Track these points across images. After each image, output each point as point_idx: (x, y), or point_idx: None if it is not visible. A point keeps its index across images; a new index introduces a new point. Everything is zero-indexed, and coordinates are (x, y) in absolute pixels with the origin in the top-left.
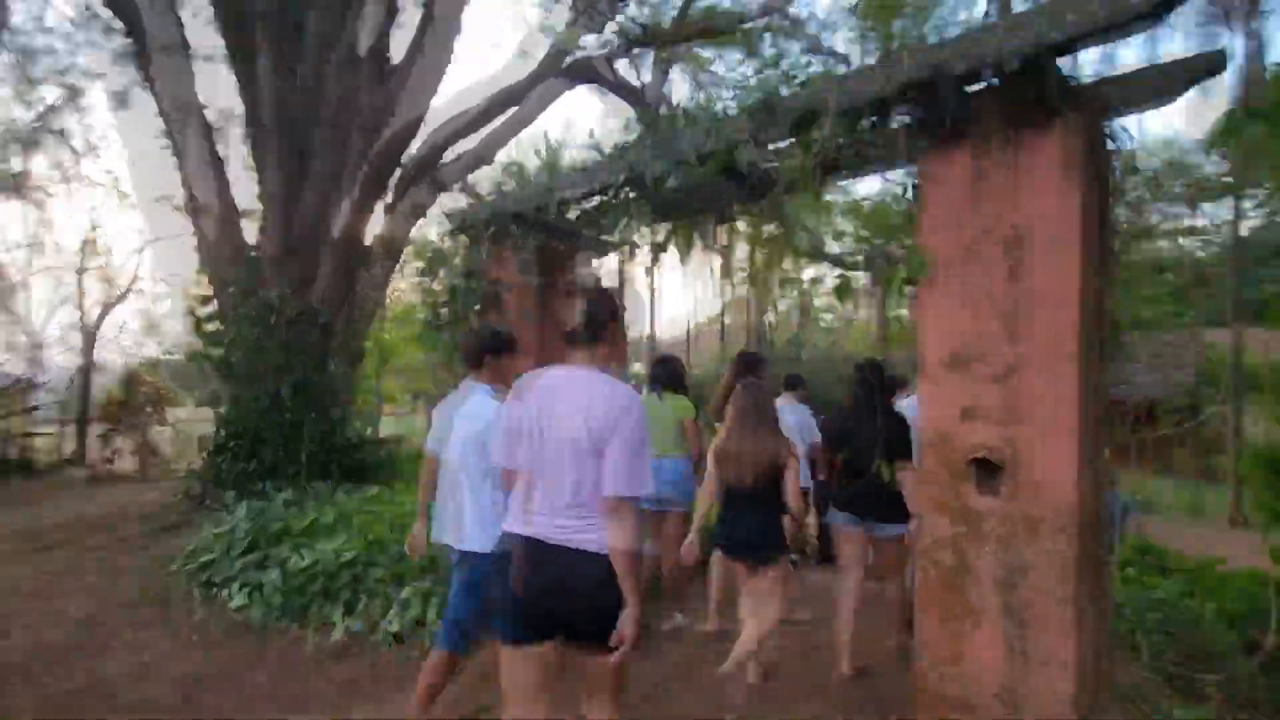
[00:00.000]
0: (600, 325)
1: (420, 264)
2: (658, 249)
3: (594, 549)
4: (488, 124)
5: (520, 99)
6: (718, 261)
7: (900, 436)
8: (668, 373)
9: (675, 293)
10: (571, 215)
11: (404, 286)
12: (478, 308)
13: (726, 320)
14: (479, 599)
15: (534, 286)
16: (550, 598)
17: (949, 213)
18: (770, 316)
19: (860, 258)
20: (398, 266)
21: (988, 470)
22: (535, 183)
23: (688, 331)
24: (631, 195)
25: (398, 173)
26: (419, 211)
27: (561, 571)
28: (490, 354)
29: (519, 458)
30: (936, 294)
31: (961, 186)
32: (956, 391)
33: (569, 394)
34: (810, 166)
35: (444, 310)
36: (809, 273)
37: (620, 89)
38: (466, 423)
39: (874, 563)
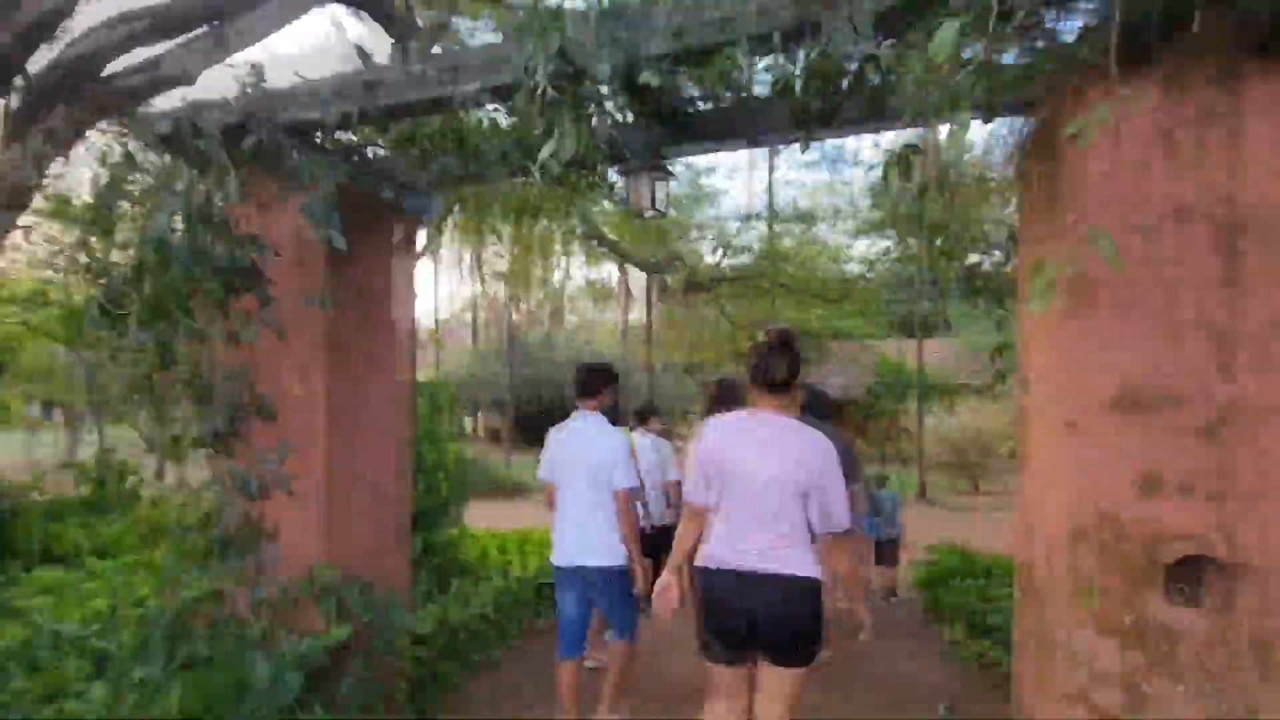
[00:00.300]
0: (796, 374)
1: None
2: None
3: (804, 574)
4: (187, 30)
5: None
6: (471, 248)
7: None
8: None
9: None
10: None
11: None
12: (214, 284)
13: (470, 316)
14: (592, 606)
15: (324, 254)
16: (760, 621)
17: (1121, 181)
18: (518, 314)
19: (657, 259)
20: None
21: (1185, 568)
22: (347, 80)
23: (436, 323)
24: (560, 97)
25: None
26: (59, 142)
27: (773, 597)
28: (606, 385)
29: (716, 497)
30: (1096, 300)
31: (1143, 141)
32: (1131, 449)
33: (776, 441)
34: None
35: (135, 286)
36: (581, 269)
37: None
38: (592, 449)
39: None
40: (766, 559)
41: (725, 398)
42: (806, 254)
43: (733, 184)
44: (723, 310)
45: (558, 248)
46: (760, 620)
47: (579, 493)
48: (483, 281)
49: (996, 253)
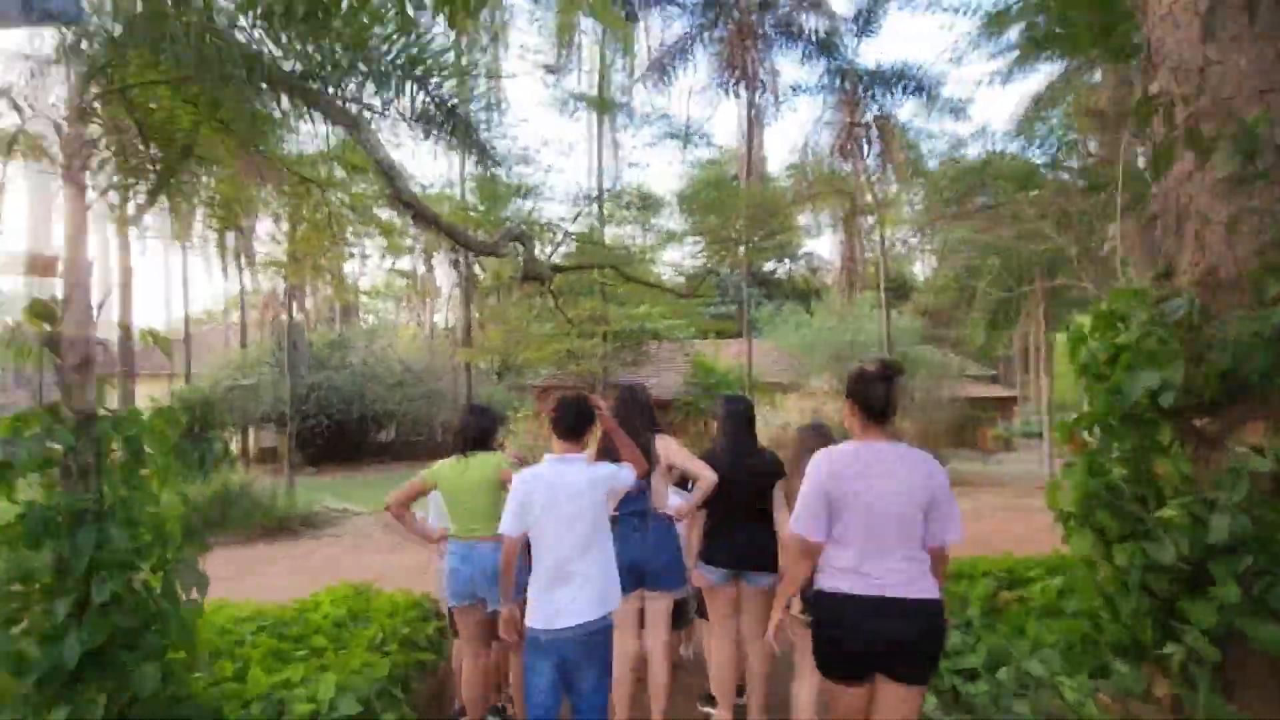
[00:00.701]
0: (897, 404)
1: None
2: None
3: (932, 596)
4: None
5: None
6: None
7: (776, 474)
8: (479, 427)
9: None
10: None
11: None
12: None
13: (234, 318)
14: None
15: None
16: (893, 645)
17: None
18: (302, 315)
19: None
20: None
21: None
22: None
23: (186, 327)
24: None
25: None
26: None
27: (908, 622)
28: (590, 424)
29: (840, 528)
30: None
31: None
32: None
33: (892, 470)
34: None
35: None
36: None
37: None
38: (583, 496)
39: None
40: (899, 585)
41: (814, 445)
42: (639, 248)
43: (570, 162)
44: (557, 305)
45: (345, 218)
46: (894, 644)
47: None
48: (249, 267)
49: (789, 261)
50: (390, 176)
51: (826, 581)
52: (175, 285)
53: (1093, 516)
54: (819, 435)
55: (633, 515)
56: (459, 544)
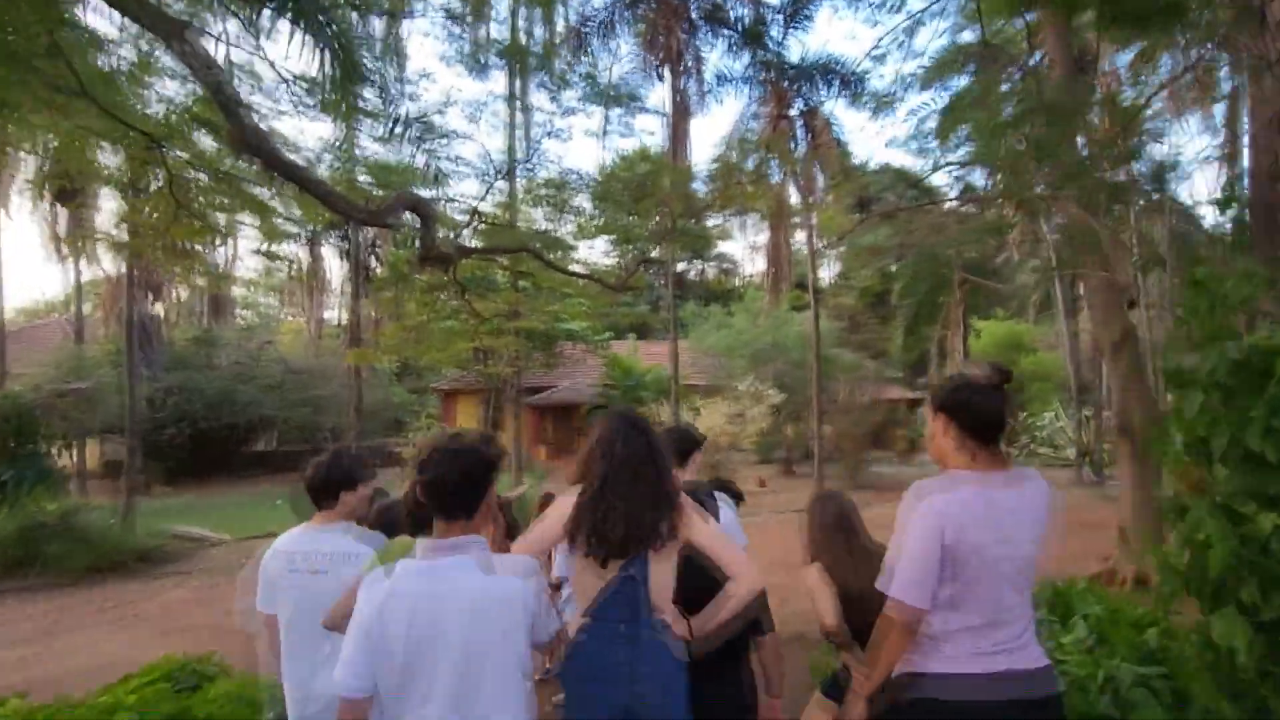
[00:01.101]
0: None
1: None
2: None
3: (1048, 664)
4: None
5: None
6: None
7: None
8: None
9: None
10: None
11: None
12: None
13: (84, 309)
14: None
15: None
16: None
17: None
18: (159, 307)
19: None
20: None
21: None
22: None
23: None
24: None
25: None
26: None
27: (1033, 700)
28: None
29: (955, 589)
30: None
31: None
32: None
33: (1016, 508)
34: None
35: None
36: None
37: None
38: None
39: None
40: (1024, 662)
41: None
42: (557, 237)
43: (480, 130)
44: (464, 297)
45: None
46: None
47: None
48: (85, 249)
49: (700, 261)
50: (228, 107)
51: (933, 663)
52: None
53: (1239, 589)
54: (838, 508)
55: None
56: None
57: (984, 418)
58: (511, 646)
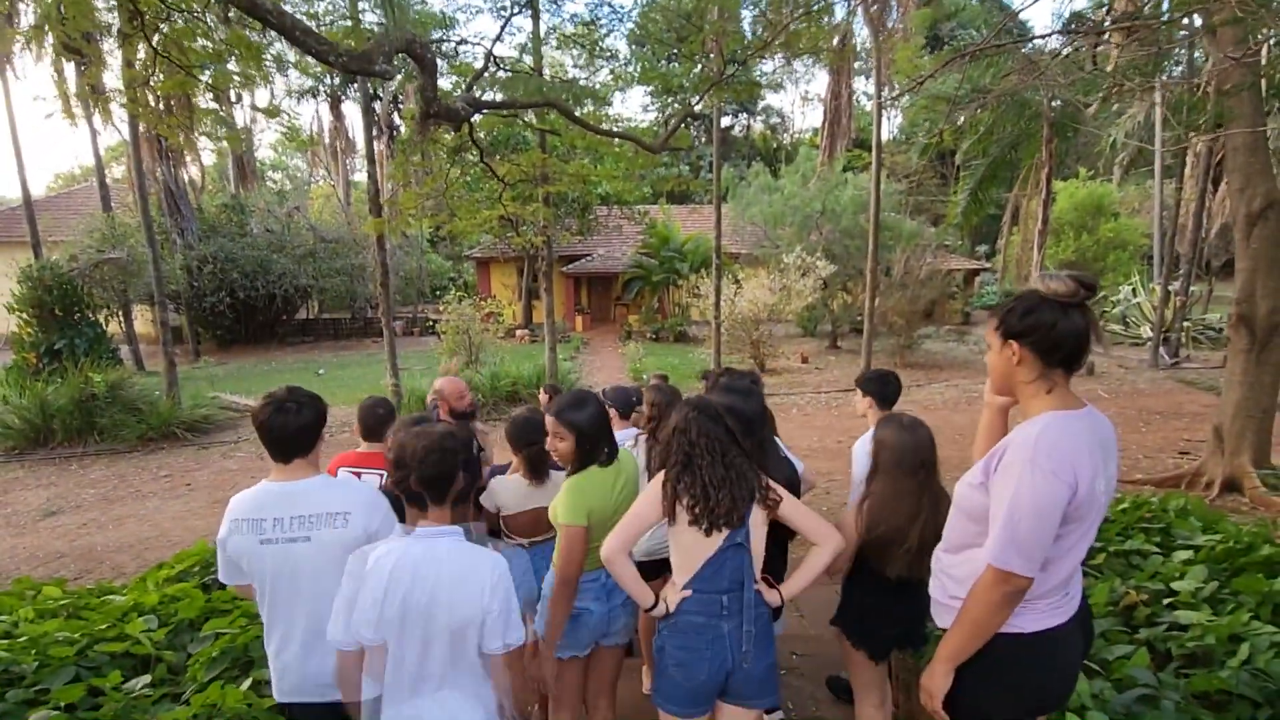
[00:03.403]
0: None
1: None
2: None
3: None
4: None
5: None
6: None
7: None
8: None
9: None
10: None
11: None
12: None
13: (113, 175)
14: None
15: None
16: (1074, 678)
17: None
18: (192, 171)
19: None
20: None
21: None
22: None
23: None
24: None
25: None
26: None
27: (1081, 650)
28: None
29: (1072, 550)
30: None
31: None
32: None
33: (1104, 443)
34: None
35: None
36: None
37: None
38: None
39: None
40: (1074, 609)
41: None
42: (583, 92)
43: None
44: (483, 159)
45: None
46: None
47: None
48: (100, 110)
49: (746, 116)
50: None
51: (1017, 619)
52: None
53: None
54: (919, 450)
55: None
56: (591, 576)
57: (1069, 343)
58: (477, 615)
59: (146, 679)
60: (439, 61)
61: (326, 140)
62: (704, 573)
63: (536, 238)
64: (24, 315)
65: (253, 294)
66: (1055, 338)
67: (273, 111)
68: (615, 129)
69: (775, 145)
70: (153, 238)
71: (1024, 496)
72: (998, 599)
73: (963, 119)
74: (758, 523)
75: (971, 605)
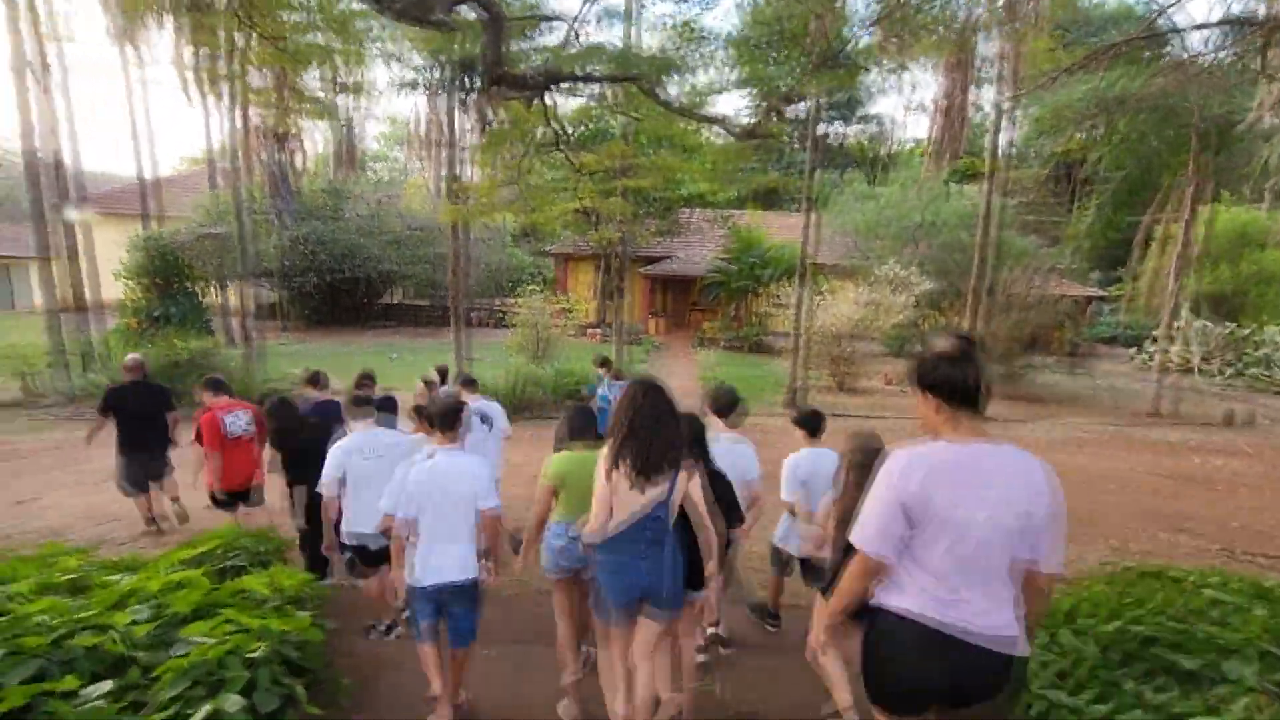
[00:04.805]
0: (988, 387)
1: None
2: None
3: (1012, 634)
4: None
5: None
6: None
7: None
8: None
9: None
10: None
11: None
12: None
13: (223, 162)
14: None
15: None
16: (961, 682)
17: None
18: (297, 158)
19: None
20: None
21: None
22: None
23: (143, 178)
24: None
25: None
26: None
27: (988, 665)
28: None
29: (917, 545)
30: None
31: None
32: None
33: (997, 478)
34: None
35: None
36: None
37: None
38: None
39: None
40: (982, 622)
41: (865, 461)
42: (665, 64)
43: None
44: (559, 141)
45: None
46: (966, 686)
47: None
48: (214, 95)
49: (843, 124)
50: None
51: (892, 599)
52: (163, 123)
53: None
54: (871, 450)
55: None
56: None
57: (954, 386)
58: (472, 498)
59: (108, 685)
60: (520, 42)
61: (422, 131)
62: (633, 519)
63: (614, 234)
64: (130, 283)
65: (340, 276)
66: (942, 383)
67: (358, 88)
68: (701, 114)
69: (873, 155)
70: (241, 214)
71: (872, 494)
72: (858, 571)
73: (1096, 128)
74: (682, 481)
75: (844, 572)
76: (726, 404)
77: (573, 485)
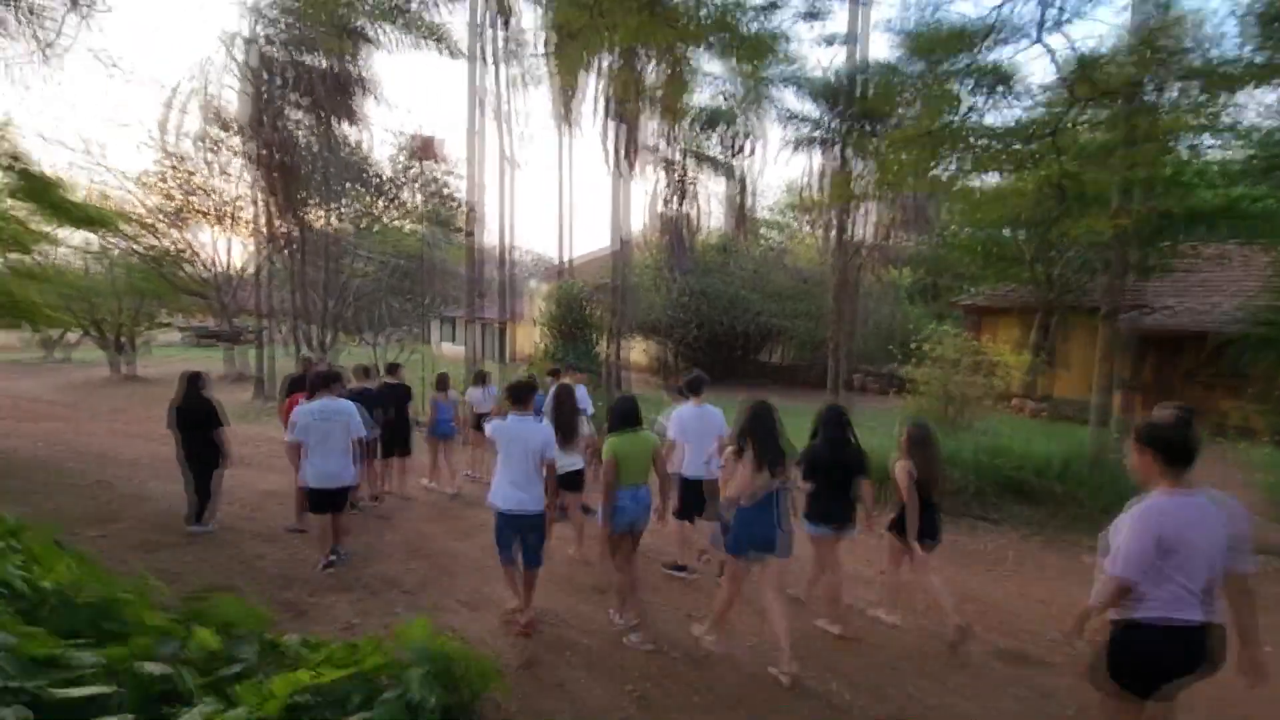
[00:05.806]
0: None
1: None
2: None
3: (1217, 620)
4: None
5: None
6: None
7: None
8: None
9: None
10: None
11: None
12: None
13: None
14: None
15: None
16: (1194, 656)
17: None
18: (693, 216)
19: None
20: None
21: None
22: None
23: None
24: None
25: None
26: None
27: (1210, 643)
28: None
29: (1163, 566)
30: None
31: None
32: None
33: (1202, 515)
34: None
35: None
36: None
37: None
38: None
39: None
40: (1202, 612)
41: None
42: None
43: None
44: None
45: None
46: (1195, 659)
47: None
48: (630, 165)
49: None
50: None
51: (1139, 612)
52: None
53: None
54: (919, 432)
55: None
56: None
57: (1177, 450)
58: (540, 445)
59: None
60: None
61: (815, 184)
62: (766, 494)
63: (1079, 273)
64: (546, 329)
65: (721, 327)
66: (1164, 447)
67: (727, 117)
68: None
69: None
70: (622, 273)
71: (1126, 530)
72: (1111, 590)
73: None
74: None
75: (1099, 587)
76: None
77: (626, 460)
